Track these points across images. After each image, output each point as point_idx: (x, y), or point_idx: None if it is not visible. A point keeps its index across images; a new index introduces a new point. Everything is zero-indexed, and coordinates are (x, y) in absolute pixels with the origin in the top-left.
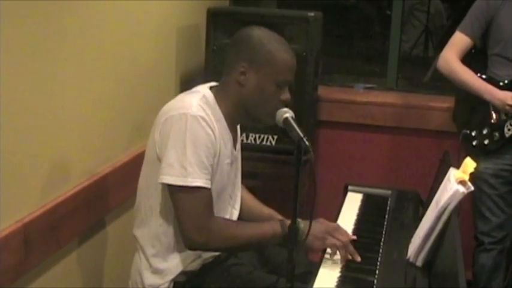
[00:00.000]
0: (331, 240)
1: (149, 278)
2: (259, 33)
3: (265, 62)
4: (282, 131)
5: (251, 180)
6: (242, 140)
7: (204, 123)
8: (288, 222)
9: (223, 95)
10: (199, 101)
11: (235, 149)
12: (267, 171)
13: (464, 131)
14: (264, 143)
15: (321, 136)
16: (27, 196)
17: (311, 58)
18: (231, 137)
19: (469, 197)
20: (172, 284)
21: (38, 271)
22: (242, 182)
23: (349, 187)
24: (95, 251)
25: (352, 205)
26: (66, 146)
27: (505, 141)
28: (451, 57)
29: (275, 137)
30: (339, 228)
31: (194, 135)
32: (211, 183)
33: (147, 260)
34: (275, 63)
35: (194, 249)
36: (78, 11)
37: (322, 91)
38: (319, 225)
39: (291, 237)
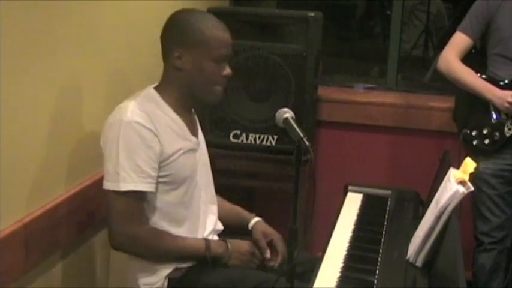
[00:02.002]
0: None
1: (143, 277)
2: (186, 15)
3: (197, 41)
4: (282, 131)
5: (251, 180)
6: (242, 141)
7: (138, 127)
8: (218, 241)
9: (167, 86)
10: (136, 103)
11: (196, 136)
12: (267, 171)
13: (465, 130)
14: (264, 143)
15: (321, 136)
16: (27, 196)
17: (311, 58)
18: (186, 126)
19: (469, 197)
20: (166, 281)
21: (38, 271)
22: (242, 182)
23: (349, 187)
24: (95, 251)
25: (352, 205)
26: (66, 145)
27: (505, 141)
28: (451, 57)
29: (275, 137)
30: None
31: (127, 141)
32: (172, 178)
33: (139, 263)
34: (206, 40)
35: (118, 250)
36: (77, 11)
37: (322, 91)
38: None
39: (291, 238)
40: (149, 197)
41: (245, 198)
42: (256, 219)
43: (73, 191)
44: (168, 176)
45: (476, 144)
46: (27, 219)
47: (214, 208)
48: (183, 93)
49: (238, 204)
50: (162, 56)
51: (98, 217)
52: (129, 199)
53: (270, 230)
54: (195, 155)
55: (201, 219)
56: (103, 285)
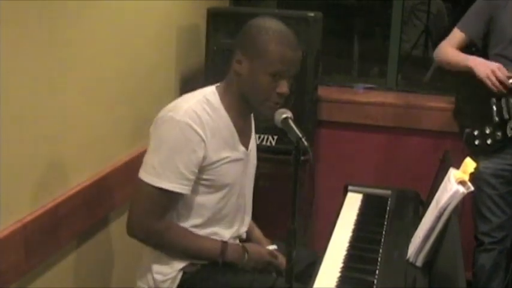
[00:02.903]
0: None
1: (157, 267)
2: (261, 23)
3: (258, 52)
4: (282, 131)
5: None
6: None
7: (187, 129)
8: (236, 246)
9: (226, 88)
10: (194, 103)
11: (245, 147)
12: (267, 171)
13: (467, 130)
14: (264, 143)
15: (321, 136)
16: (27, 196)
17: (311, 58)
18: (237, 134)
19: (469, 197)
20: (181, 274)
21: (38, 271)
22: None
23: (349, 187)
24: (95, 251)
25: (352, 205)
26: (66, 145)
27: (507, 140)
28: (444, 45)
29: (275, 137)
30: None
31: (173, 140)
32: (212, 183)
33: (155, 252)
34: (267, 53)
35: (132, 238)
36: (77, 11)
37: (322, 91)
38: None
39: (290, 238)
40: (185, 196)
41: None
42: (271, 247)
43: (73, 191)
44: (208, 181)
45: (478, 144)
46: (27, 219)
47: (247, 219)
48: (239, 98)
49: None
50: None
51: (98, 217)
52: (159, 196)
53: (281, 260)
54: (241, 165)
55: (232, 223)
56: (104, 285)
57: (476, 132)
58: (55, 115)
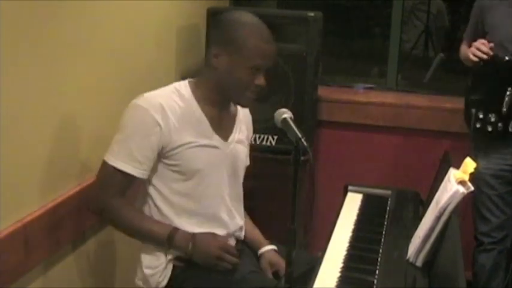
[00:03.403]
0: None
1: (145, 260)
2: (235, 16)
3: (237, 46)
4: (282, 131)
5: (251, 180)
6: None
7: (143, 113)
8: (186, 234)
9: (200, 80)
10: (160, 92)
11: (220, 136)
12: (267, 171)
13: (473, 109)
14: (264, 143)
15: (321, 136)
16: (27, 196)
17: (311, 58)
18: (209, 123)
19: (469, 197)
20: (171, 268)
21: (38, 271)
22: (242, 182)
23: (349, 187)
24: (96, 251)
25: (352, 205)
26: (66, 145)
27: (506, 134)
28: (461, 46)
29: (275, 137)
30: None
31: (129, 122)
32: (179, 168)
33: (145, 247)
34: (247, 47)
35: (92, 213)
36: (77, 11)
37: (322, 91)
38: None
39: (290, 239)
40: (154, 183)
41: (245, 198)
42: (268, 247)
43: (73, 191)
44: (175, 166)
45: (479, 127)
46: (27, 219)
47: (238, 218)
48: (214, 90)
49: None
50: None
51: (98, 217)
52: (113, 174)
53: (278, 260)
54: (215, 153)
55: (219, 218)
56: (104, 285)
57: (481, 115)
58: (55, 115)
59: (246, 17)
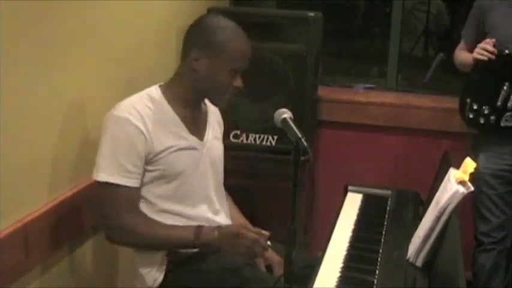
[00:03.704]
0: (243, 242)
1: (141, 259)
2: (214, 21)
3: (218, 50)
4: (282, 131)
5: (251, 180)
6: (242, 141)
7: (125, 123)
8: (208, 229)
9: (175, 83)
10: (133, 99)
11: (197, 136)
12: (267, 171)
13: (468, 99)
14: (264, 143)
15: (321, 136)
16: (27, 196)
17: (311, 58)
18: (184, 125)
19: (469, 197)
20: (166, 261)
21: (38, 271)
22: (242, 182)
23: (349, 187)
24: (96, 251)
25: (352, 205)
26: (66, 145)
27: (498, 129)
28: (456, 51)
29: (275, 137)
30: (246, 228)
31: (112, 135)
32: (162, 172)
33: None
34: (227, 51)
35: (111, 242)
36: (77, 11)
37: (322, 91)
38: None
39: (290, 239)
40: (140, 191)
41: (245, 198)
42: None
43: (73, 191)
44: (158, 171)
45: (472, 118)
46: (27, 219)
47: (223, 206)
48: (189, 92)
49: (237, 204)
50: (181, 53)
51: (98, 217)
52: (111, 192)
53: (270, 254)
54: (193, 154)
55: (205, 217)
56: (104, 285)
57: (475, 106)
58: (55, 115)
59: (224, 21)
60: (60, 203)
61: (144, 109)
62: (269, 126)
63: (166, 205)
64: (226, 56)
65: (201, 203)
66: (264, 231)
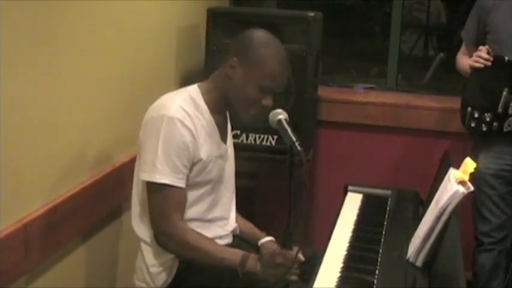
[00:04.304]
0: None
1: (151, 258)
2: (261, 36)
3: (255, 63)
4: None
5: (251, 180)
6: (242, 140)
7: (179, 124)
8: (253, 259)
9: (212, 86)
10: (181, 101)
11: (224, 143)
12: (267, 171)
13: (469, 108)
14: (264, 143)
15: (321, 136)
16: (27, 196)
17: (311, 58)
18: (218, 131)
19: (469, 197)
20: (177, 264)
21: (38, 271)
22: (242, 182)
23: (349, 187)
24: (95, 250)
25: (352, 205)
26: (66, 146)
27: (501, 135)
28: (458, 56)
29: (275, 137)
30: (284, 254)
31: (167, 136)
32: (196, 180)
33: (150, 245)
34: (263, 67)
35: (164, 249)
36: (77, 11)
37: (322, 91)
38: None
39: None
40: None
41: (245, 198)
42: (267, 238)
43: (73, 191)
44: (194, 177)
45: (474, 126)
46: (27, 219)
47: (232, 215)
48: (223, 98)
49: (237, 205)
50: (222, 57)
51: (98, 217)
52: (166, 194)
53: (277, 250)
54: (222, 161)
55: (222, 219)
56: (104, 285)
57: (476, 114)
58: (55, 115)
59: (270, 38)
60: (60, 203)
61: (192, 111)
62: (269, 126)
63: (189, 209)
64: (259, 71)
65: (221, 207)
66: (300, 256)
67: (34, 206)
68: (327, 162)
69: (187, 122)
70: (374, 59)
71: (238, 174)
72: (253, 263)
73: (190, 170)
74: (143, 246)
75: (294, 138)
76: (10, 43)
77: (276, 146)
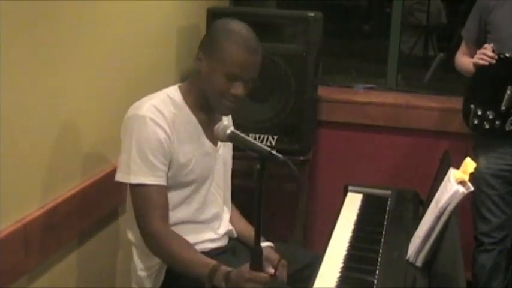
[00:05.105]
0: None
1: (139, 261)
2: (225, 25)
3: (215, 52)
4: (282, 131)
5: (250, 180)
6: None
7: (151, 123)
8: (220, 275)
9: (189, 85)
10: (156, 101)
11: (212, 141)
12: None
13: (472, 105)
14: (264, 143)
15: (321, 136)
16: (27, 196)
17: (311, 58)
18: (201, 127)
19: (469, 197)
20: (165, 269)
21: (38, 271)
22: (242, 182)
23: (349, 187)
24: (95, 251)
25: (352, 205)
26: (66, 146)
27: (503, 133)
28: (457, 55)
29: (275, 137)
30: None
31: (139, 135)
32: (178, 179)
33: (137, 247)
34: (225, 55)
35: (152, 252)
36: (78, 11)
37: (322, 91)
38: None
39: (254, 262)
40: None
41: (245, 198)
42: (265, 244)
43: (73, 191)
44: (171, 178)
45: (476, 124)
46: (27, 219)
47: (226, 217)
48: (200, 94)
49: (238, 204)
50: None
51: (98, 217)
52: (142, 194)
53: (274, 256)
54: (208, 160)
55: (212, 222)
56: (104, 285)
57: (479, 112)
58: (55, 115)
59: (234, 25)
60: (60, 203)
61: (166, 111)
62: (269, 126)
63: (176, 211)
64: (222, 60)
65: (211, 209)
66: (272, 274)
67: (34, 207)
68: (327, 162)
69: (160, 121)
70: (374, 59)
71: (237, 174)
72: (220, 278)
73: (169, 168)
74: (133, 248)
75: (255, 143)
76: (10, 43)
77: (276, 146)
